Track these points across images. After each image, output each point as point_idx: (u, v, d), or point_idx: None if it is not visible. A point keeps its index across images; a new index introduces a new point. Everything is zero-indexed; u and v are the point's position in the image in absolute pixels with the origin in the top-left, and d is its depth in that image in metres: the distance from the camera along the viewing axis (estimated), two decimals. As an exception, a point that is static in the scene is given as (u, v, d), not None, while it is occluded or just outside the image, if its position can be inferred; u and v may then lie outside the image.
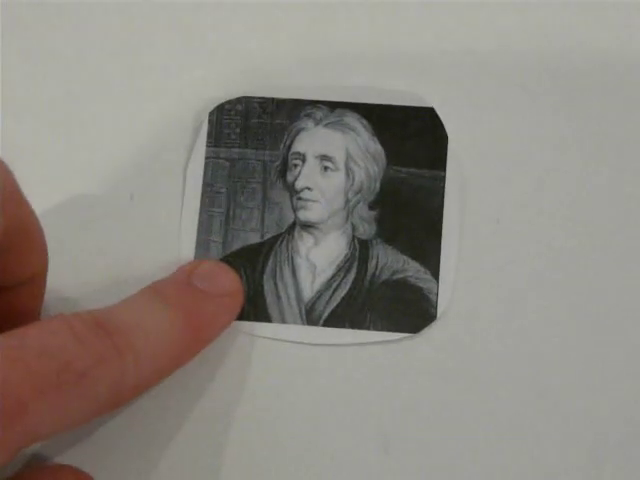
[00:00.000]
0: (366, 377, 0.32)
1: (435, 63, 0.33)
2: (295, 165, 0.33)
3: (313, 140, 0.33)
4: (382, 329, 0.32)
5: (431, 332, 0.32)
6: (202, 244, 0.33)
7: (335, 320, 0.32)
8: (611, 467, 0.31)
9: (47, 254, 0.29)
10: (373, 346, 0.32)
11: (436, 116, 0.33)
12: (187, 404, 0.32)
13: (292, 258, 0.33)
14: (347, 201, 0.33)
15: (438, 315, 0.32)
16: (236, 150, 0.33)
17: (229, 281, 0.32)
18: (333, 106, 0.33)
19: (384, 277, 0.32)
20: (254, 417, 0.31)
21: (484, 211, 0.33)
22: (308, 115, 0.33)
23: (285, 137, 0.33)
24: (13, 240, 0.27)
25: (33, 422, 0.24)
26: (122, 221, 0.33)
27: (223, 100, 0.34)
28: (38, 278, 0.30)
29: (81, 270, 0.33)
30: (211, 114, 0.34)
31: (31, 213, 0.28)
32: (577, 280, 0.32)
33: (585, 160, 0.33)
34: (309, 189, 0.33)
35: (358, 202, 0.33)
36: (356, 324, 0.32)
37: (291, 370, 0.32)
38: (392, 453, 0.31)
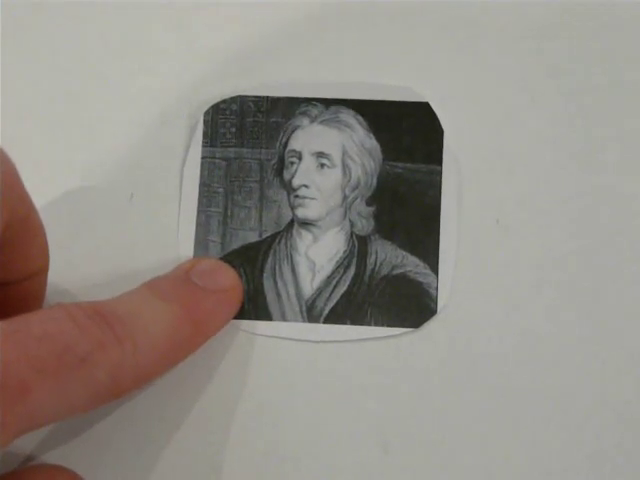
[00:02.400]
0: (367, 373, 0.32)
1: (430, 58, 0.34)
2: (291, 163, 0.33)
3: (309, 137, 0.33)
4: (383, 324, 0.32)
5: (432, 327, 0.32)
6: (201, 244, 0.33)
7: (336, 317, 0.32)
8: (611, 467, 0.31)
9: (48, 250, 0.29)
10: (374, 342, 0.32)
11: (431, 111, 0.33)
12: (188, 402, 0.31)
13: (291, 256, 0.33)
14: (344, 198, 0.33)
15: (438, 309, 0.32)
16: (232, 149, 0.33)
17: (228, 278, 0.32)
18: (328, 103, 0.33)
19: (383, 273, 0.32)
20: (254, 415, 0.31)
21: (482, 205, 0.33)
22: (303, 113, 0.33)
23: (281, 135, 0.33)
24: (15, 234, 0.27)
25: (33, 404, 0.24)
26: (121, 221, 0.33)
27: (218, 99, 0.34)
28: (39, 275, 0.30)
29: (81, 269, 0.32)
30: (206, 114, 0.33)
31: (33, 208, 0.28)
32: (577, 276, 0.32)
33: (585, 158, 0.33)
34: (306, 187, 0.33)
35: (355, 198, 0.33)
36: (357, 320, 0.32)
37: (292, 368, 0.32)
38: (392, 452, 0.31)
